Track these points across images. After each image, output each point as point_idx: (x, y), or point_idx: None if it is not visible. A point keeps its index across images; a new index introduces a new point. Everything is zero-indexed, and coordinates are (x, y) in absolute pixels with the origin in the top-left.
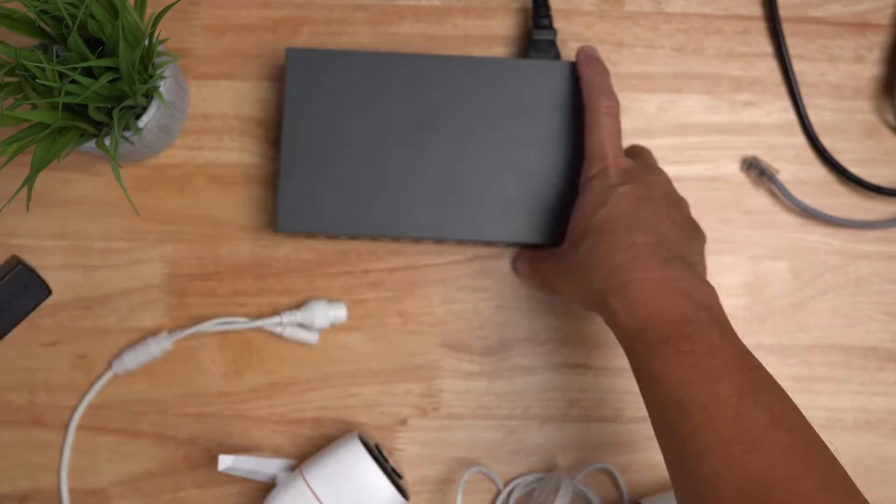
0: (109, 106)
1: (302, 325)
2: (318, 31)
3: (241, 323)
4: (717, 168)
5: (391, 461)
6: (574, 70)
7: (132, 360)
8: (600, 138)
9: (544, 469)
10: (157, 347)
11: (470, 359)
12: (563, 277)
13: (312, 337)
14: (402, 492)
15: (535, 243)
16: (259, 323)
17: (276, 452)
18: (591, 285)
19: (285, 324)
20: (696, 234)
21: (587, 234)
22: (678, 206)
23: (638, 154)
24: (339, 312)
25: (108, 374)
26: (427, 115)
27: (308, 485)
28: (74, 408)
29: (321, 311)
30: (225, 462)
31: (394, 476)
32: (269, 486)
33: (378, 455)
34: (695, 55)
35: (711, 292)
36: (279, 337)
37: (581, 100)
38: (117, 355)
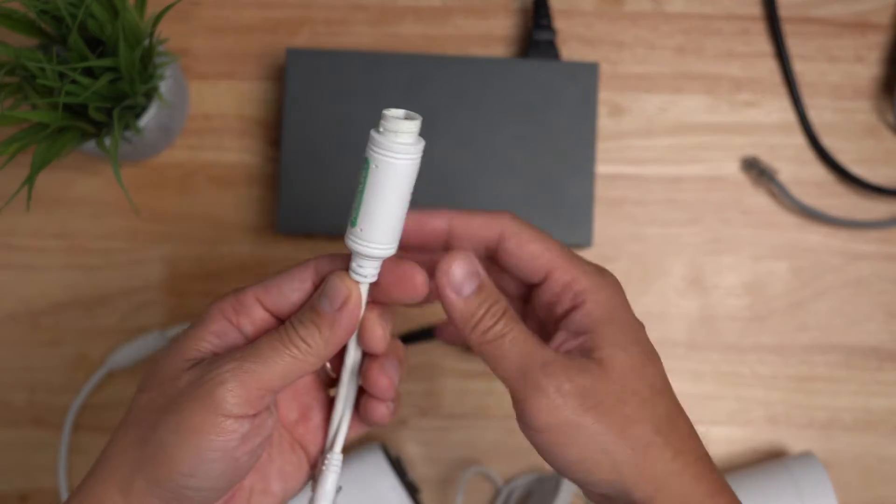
0: (109, 106)
1: None
2: (318, 31)
3: None
4: (717, 168)
5: (410, 474)
6: (574, 71)
7: (127, 355)
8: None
9: (544, 469)
10: (152, 342)
11: (470, 359)
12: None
13: None
14: None
15: None
16: None
17: None
18: None
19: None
20: None
21: None
22: None
23: None
24: None
25: (103, 370)
26: (427, 115)
27: None
28: (71, 406)
29: None
30: None
31: (412, 490)
32: None
33: (398, 468)
34: (695, 55)
35: None
36: None
37: (579, 103)
38: (113, 351)
